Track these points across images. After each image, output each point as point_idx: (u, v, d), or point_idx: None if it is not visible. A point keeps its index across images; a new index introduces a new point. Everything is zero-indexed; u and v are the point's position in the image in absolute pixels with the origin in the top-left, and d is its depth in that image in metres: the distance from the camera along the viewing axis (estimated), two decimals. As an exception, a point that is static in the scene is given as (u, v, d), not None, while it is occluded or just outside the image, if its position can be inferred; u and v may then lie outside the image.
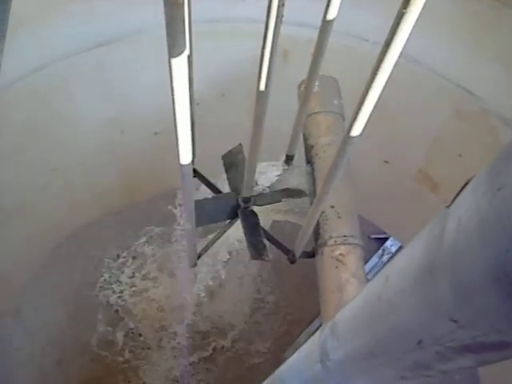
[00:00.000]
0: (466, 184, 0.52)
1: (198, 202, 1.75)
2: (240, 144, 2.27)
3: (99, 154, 3.79)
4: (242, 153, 2.25)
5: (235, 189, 2.15)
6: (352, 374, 0.92)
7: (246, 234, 2.04)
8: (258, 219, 2.09)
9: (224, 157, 2.25)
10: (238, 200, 2.06)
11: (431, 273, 0.54)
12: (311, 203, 2.03)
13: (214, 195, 2.22)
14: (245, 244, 2.11)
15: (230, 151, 2.26)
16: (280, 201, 2.16)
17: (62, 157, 3.61)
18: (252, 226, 2.06)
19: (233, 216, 2.11)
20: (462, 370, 0.66)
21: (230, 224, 2.18)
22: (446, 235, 0.51)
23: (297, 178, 2.26)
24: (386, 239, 5.17)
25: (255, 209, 2.12)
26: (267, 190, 2.21)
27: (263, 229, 2.15)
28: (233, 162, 2.23)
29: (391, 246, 5.17)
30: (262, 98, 1.42)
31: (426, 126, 3.39)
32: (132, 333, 4.15)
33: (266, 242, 2.10)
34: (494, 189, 0.43)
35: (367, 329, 0.79)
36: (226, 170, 2.22)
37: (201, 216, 1.92)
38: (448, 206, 0.55)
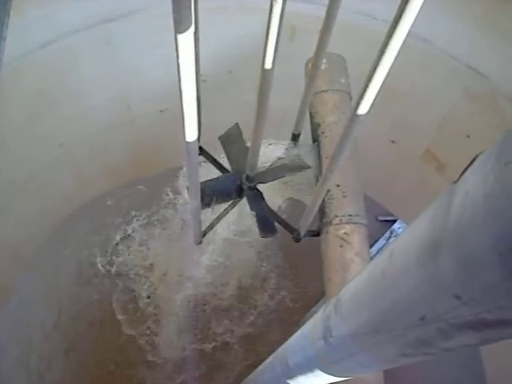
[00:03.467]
0: (474, 160, 0.52)
1: (202, 184, 1.76)
2: (236, 124, 2.26)
3: (106, 129, 3.80)
4: (240, 132, 2.24)
5: (237, 168, 2.15)
6: (354, 350, 0.92)
7: (254, 213, 2.05)
8: (263, 197, 2.09)
9: (221, 138, 2.25)
10: (241, 179, 2.07)
11: (436, 248, 0.54)
12: (317, 182, 2.03)
13: (218, 176, 2.22)
14: (248, 222, 2.13)
15: (227, 132, 2.25)
16: (284, 176, 2.16)
17: (69, 132, 3.62)
18: (259, 205, 2.07)
19: (238, 195, 2.11)
20: (464, 348, 0.66)
21: (235, 202, 2.19)
22: (452, 210, 0.51)
23: (303, 157, 2.25)
24: (394, 221, 5.15)
25: (261, 187, 2.12)
26: (273, 167, 2.21)
27: (269, 208, 2.16)
28: (231, 143, 2.22)
29: (399, 228, 5.14)
30: (266, 76, 1.42)
31: (433, 106, 3.37)
32: (143, 302, 4.18)
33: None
34: (501, 163, 0.43)
35: (370, 305, 0.79)
36: (226, 151, 2.21)
37: (206, 197, 1.93)
38: (455, 182, 0.55)
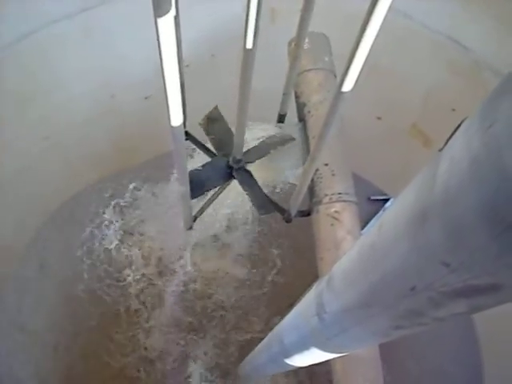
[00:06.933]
0: (459, 127, 0.52)
1: (191, 174, 1.75)
2: (215, 107, 2.24)
3: (91, 120, 3.78)
4: (220, 115, 2.23)
5: (223, 152, 2.14)
6: (348, 325, 0.93)
7: (247, 194, 2.05)
8: (252, 177, 2.09)
9: (202, 123, 2.23)
10: (229, 162, 2.06)
11: (423, 216, 0.55)
12: (304, 161, 2.03)
13: (205, 163, 2.21)
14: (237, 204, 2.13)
15: (206, 116, 2.23)
16: (269, 152, 2.16)
17: (53, 124, 3.59)
18: (250, 185, 2.07)
19: (228, 178, 2.10)
20: (456, 316, 0.67)
21: (225, 186, 2.18)
22: (437, 177, 0.51)
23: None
24: (386, 200, 5.15)
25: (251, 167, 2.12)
26: (259, 148, 2.20)
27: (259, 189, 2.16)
28: (213, 126, 2.20)
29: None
30: (248, 56, 1.41)
31: (418, 81, 3.37)
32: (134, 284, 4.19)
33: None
34: (484, 126, 0.43)
35: (362, 279, 0.79)
36: (208, 136, 2.20)
37: (196, 186, 1.92)
38: (441, 150, 0.55)
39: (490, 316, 3.39)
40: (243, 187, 2.06)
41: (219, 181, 2.11)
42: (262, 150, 2.16)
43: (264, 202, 2.07)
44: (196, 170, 2.05)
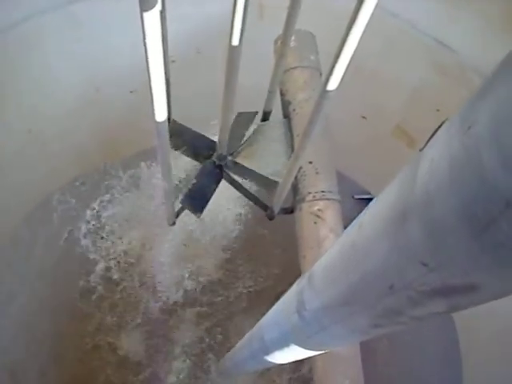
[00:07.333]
0: (440, 127, 0.52)
1: (192, 190, 1.76)
2: (173, 121, 2.22)
3: (74, 114, 3.74)
4: (180, 126, 2.22)
5: (202, 156, 2.14)
6: (328, 323, 0.93)
7: (194, 181, 2.06)
8: (218, 180, 2.10)
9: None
10: (215, 163, 2.06)
11: (403, 216, 0.55)
12: (288, 159, 2.04)
13: (195, 175, 2.20)
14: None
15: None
16: (247, 179, 2.16)
17: (36, 118, 3.55)
18: (208, 181, 2.08)
19: (220, 178, 2.11)
20: (435, 316, 0.67)
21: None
22: (418, 177, 0.52)
23: (274, 134, 2.25)
24: (370, 200, 5.14)
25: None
26: (243, 146, 2.19)
27: (242, 186, 2.16)
28: (180, 139, 2.18)
29: (375, 206, 5.15)
30: (234, 53, 1.40)
31: (403, 81, 3.39)
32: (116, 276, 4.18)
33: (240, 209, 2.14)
34: (464, 127, 0.43)
35: (342, 277, 0.80)
36: (180, 149, 2.18)
37: (201, 200, 1.94)
38: (421, 150, 0.55)
39: (472, 320, 3.43)
40: (200, 175, 2.06)
41: (215, 185, 2.11)
42: (245, 174, 2.14)
43: (200, 202, 2.06)
44: (193, 184, 2.06)
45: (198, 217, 2.07)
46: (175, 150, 2.08)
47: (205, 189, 2.06)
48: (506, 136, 0.37)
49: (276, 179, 2.04)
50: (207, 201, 2.05)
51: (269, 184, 2.16)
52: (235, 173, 2.12)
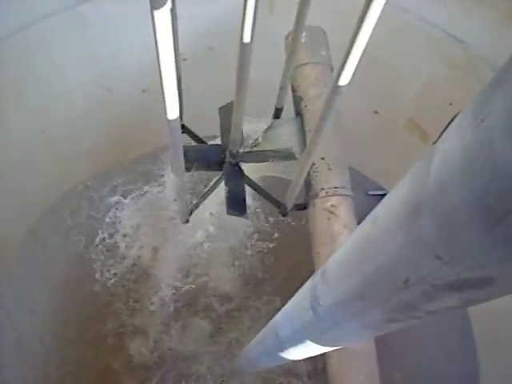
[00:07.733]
0: (453, 120, 0.52)
1: (185, 148, 1.74)
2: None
3: (86, 114, 3.76)
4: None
5: (225, 142, 2.14)
6: (341, 318, 0.93)
7: (226, 188, 2.05)
8: (242, 176, 2.08)
9: (221, 108, 2.23)
10: (225, 153, 2.06)
11: (417, 209, 0.55)
12: (301, 155, 2.03)
13: (204, 144, 2.22)
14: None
15: (228, 104, 2.22)
16: (267, 161, 2.16)
17: (47, 120, 3.57)
18: (235, 182, 2.07)
19: (218, 168, 2.10)
20: (449, 310, 0.67)
21: (221, 179, 2.18)
22: (431, 170, 0.52)
23: (286, 131, 2.25)
24: (384, 195, 5.11)
25: (243, 165, 2.11)
26: (256, 143, 2.19)
27: (255, 183, 2.15)
28: (228, 116, 2.20)
29: (389, 201, 5.13)
30: (245, 50, 1.40)
31: (415, 75, 3.37)
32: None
33: (249, 200, 2.13)
34: (477, 119, 0.43)
35: (356, 271, 0.80)
36: (220, 122, 2.20)
37: (187, 162, 1.92)
38: (434, 143, 0.55)
39: (487, 315, 3.41)
40: (226, 181, 2.06)
41: (210, 166, 2.10)
42: (261, 156, 2.15)
43: (238, 203, 2.06)
44: (192, 146, 2.09)
45: (247, 218, 2.08)
46: (188, 171, 2.08)
47: (237, 190, 2.06)
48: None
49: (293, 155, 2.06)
50: (244, 199, 2.06)
51: (288, 156, 2.16)
52: (252, 161, 2.12)
